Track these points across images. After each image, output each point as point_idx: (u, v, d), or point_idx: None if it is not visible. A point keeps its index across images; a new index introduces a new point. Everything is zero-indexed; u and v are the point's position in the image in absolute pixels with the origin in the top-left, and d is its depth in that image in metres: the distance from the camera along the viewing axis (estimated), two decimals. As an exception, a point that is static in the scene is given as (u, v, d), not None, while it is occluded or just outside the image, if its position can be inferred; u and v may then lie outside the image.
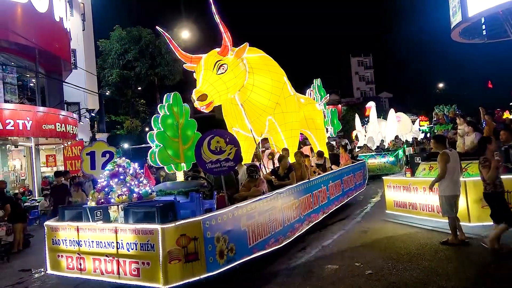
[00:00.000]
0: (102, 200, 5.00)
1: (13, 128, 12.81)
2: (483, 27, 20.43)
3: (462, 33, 21.04)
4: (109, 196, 4.99)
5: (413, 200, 7.70)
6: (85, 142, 16.97)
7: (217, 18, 6.63)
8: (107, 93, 25.94)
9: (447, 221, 6.15)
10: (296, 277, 5.29)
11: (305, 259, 6.03)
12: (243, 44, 7.02)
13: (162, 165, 6.26)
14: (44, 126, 13.94)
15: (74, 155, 15.03)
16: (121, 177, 5.09)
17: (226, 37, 6.79)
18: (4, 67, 14.49)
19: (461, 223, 6.30)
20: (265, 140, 9.52)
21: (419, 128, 30.81)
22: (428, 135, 31.53)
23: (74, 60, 19.80)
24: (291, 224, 6.57)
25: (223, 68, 6.77)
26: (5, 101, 14.07)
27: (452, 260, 5.38)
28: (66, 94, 18.62)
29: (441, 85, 50.89)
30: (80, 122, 17.88)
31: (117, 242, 4.61)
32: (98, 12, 24.27)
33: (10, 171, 15.55)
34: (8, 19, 13.33)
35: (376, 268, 5.27)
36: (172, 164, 6.36)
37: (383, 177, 9.22)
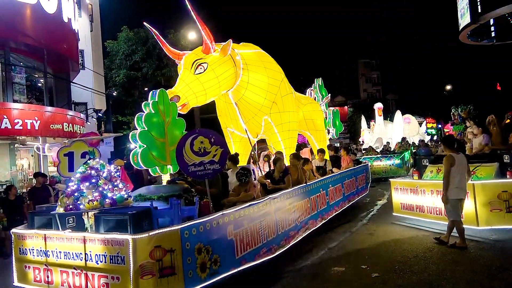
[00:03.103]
0: (71, 206, 4.44)
1: (21, 127, 12.69)
2: (492, 28, 20.28)
3: (470, 34, 20.87)
4: (78, 202, 4.44)
5: (420, 203, 7.56)
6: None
7: (193, 14, 6.19)
8: (114, 94, 25.86)
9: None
10: (302, 278, 5.17)
11: (311, 260, 5.89)
12: (227, 41, 6.53)
13: (145, 167, 5.76)
14: (51, 126, 13.76)
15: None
16: (93, 180, 4.54)
17: (205, 34, 6.31)
18: (13, 67, 14.58)
19: (469, 227, 6.26)
20: (263, 142, 8.94)
21: (426, 131, 30.61)
22: (435, 137, 31.38)
23: (82, 60, 19.57)
24: (285, 232, 6.05)
25: (201, 68, 6.32)
26: (14, 101, 13.86)
27: (460, 263, 5.25)
28: (73, 94, 18.40)
29: (448, 87, 50.54)
30: (87, 122, 17.80)
31: (85, 254, 4.11)
32: (106, 13, 24.31)
33: (18, 170, 15.69)
34: (17, 20, 13.15)
35: (383, 271, 5.15)
36: (157, 167, 5.81)
37: (390, 179, 9.07)
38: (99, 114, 21.18)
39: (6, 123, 12.35)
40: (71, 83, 17.48)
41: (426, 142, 22.40)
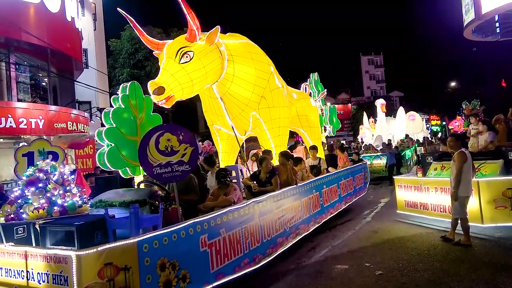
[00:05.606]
0: (12, 216, 3.77)
1: (25, 126, 12.54)
2: (497, 24, 20.10)
3: (475, 31, 20.66)
4: (22, 210, 3.75)
5: (424, 200, 7.35)
6: (96, 141, 17.15)
7: None
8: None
9: (459, 222, 5.91)
10: (305, 276, 5.02)
11: (314, 258, 5.72)
12: (214, 28, 5.81)
13: (113, 169, 5.06)
14: (56, 125, 13.62)
15: (86, 154, 15.33)
16: (40, 185, 3.86)
17: (190, 19, 5.56)
18: (17, 66, 14.58)
19: (474, 224, 6.21)
20: (256, 140, 8.19)
21: (430, 128, 30.43)
22: (439, 134, 31.23)
23: (85, 59, 19.21)
24: (272, 239, 5.38)
25: (187, 56, 5.59)
26: (18, 100, 13.70)
27: (464, 261, 5.13)
28: (77, 93, 18.07)
29: (453, 83, 50.25)
30: (91, 121, 17.81)
31: (27, 271, 3.46)
32: (109, 12, 24.31)
33: (23, 169, 15.77)
34: (21, 19, 12.96)
35: (387, 268, 5.03)
36: (127, 168, 5.14)
37: (394, 177, 8.88)
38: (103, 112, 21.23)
39: (10, 122, 12.35)
40: (75, 82, 17.44)
41: (430, 139, 22.27)
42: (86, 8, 20.19)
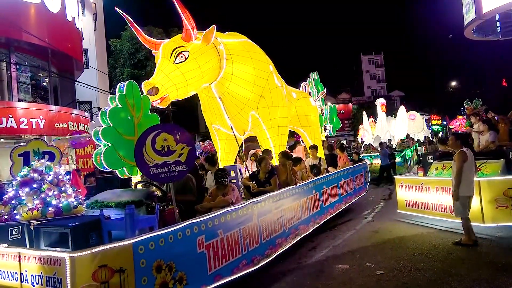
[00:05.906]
0: (6, 217, 3.71)
1: (26, 126, 12.57)
2: (497, 24, 20.03)
3: (476, 30, 20.61)
4: (15, 211, 3.69)
5: (425, 200, 7.33)
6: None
7: None
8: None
9: (460, 221, 5.85)
10: (306, 276, 5.00)
11: (315, 258, 5.70)
12: (210, 27, 5.74)
13: (110, 169, 5.03)
14: (56, 125, 13.66)
15: (86, 154, 15.31)
16: (35, 185, 3.79)
17: (185, 19, 5.48)
18: (18, 66, 14.56)
19: (475, 224, 6.16)
20: (255, 140, 8.09)
21: (431, 127, 30.39)
22: (440, 134, 31.19)
23: (86, 59, 19.13)
24: (271, 240, 5.29)
25: (182, 56, 5.55)
26: (19, 100, 13.70)
27: (465, 261, 5.10)
28: (78, 93, 18.06)
29: (453, 83, 50.22)
30: (92, 121, 17.88)
31: (21, 273, 3.39)
32: (110, 12, 24.36)
33: (24, 169, 15.73)
34: (21, 19, 12.98)
35: (388, 268, 5.01)
36: (124, 168, 5.06)
37: (394, 177, 8.92)
38: (103, 112, 21.21)
39: (11, 122, 12.38)
40: (76, 82, 17.45)
41: (430, 139, 22.22)
42: (86, 8, 20.18)
